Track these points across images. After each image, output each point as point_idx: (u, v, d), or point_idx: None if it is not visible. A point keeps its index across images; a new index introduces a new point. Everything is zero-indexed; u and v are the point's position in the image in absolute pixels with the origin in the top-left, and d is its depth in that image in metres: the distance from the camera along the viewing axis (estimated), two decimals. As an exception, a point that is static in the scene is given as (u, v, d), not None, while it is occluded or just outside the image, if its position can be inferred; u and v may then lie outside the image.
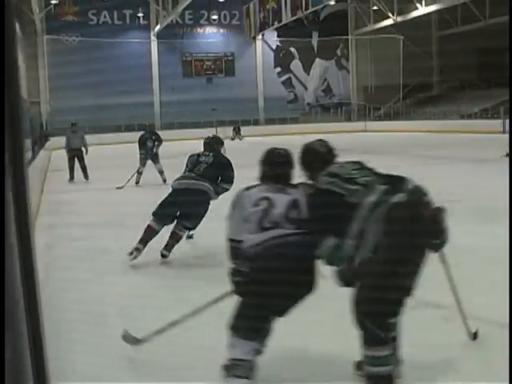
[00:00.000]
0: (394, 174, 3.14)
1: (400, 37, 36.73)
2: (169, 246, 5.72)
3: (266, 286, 2.79)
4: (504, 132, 26.60)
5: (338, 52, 41.17)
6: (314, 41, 40.22)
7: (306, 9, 31.82)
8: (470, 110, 32.79)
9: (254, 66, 38.60)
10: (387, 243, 2.70)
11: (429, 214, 2.91)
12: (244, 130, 31.87)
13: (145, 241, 5.65)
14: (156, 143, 12.34)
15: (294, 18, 33.56)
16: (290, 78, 40.22)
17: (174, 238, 5.75)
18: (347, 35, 40.11)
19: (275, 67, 39.86)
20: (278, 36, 39.20)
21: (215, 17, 38.00)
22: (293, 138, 29.16)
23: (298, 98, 40.42)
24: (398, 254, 2.71)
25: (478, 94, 34.63)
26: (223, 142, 6.50)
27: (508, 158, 13.85)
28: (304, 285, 2.93)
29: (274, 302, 2.84)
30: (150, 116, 33.63)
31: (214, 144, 6.21)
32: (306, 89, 40.67)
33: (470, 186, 9.98)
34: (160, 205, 5.83)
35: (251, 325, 2.85)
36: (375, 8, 36.50)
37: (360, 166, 3.18)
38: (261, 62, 39.02)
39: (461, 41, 32.62)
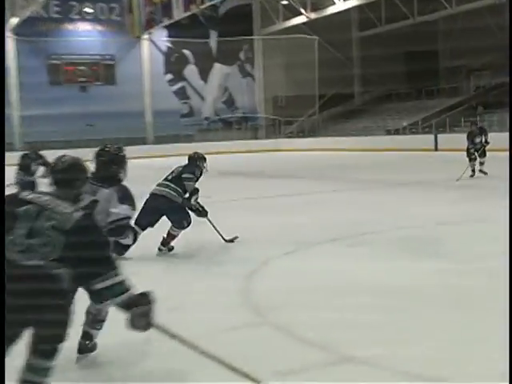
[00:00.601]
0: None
1: (315, 38, 37.72)
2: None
3: None
4: (436, 149, 27.83)
5: (242, 55, 41.77)
6: (213, 42, 40.64)
7: (202, 3, 32.18)
8: (397, 124, 34.09)
9: (139, 73, 38.40)
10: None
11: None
12: (128, 150, 31.46)
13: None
14: (41, 167, 12.44)
15: (188, 14, 33.84)
16: (183, 86, 40.34)
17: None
18: (252, 35, 40.81)
19: (166, 74, 39.90)
20: (169, 36, 39.32)
21: (89, 10, 37.57)
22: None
23: (193, 112, 40.55)
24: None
25: (407, 105, 36.12)
26: (205, 158, 8.32)
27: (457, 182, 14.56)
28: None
29: None
30: (8, 134, 32.62)
31: (196, 159, 8.21)
32: (203, 100, 40.93)
33: (397, 214, 10.32)
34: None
35: None
36: (285, 3, 37.37)
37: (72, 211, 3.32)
38: (148, 67, 38.94)
39: (385, 43, 33.89)
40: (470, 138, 15.81)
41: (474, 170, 15.51)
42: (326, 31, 36.28)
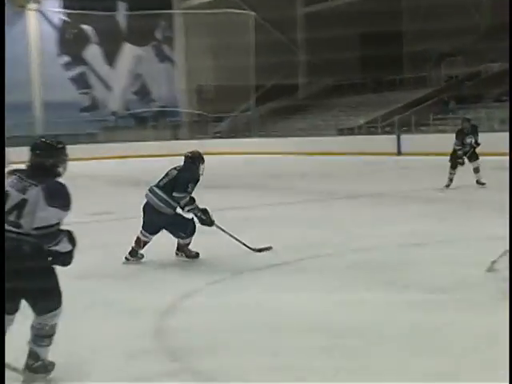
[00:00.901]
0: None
1: (250, 14, 37.92)
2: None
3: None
4: (400, 153, 28.20)
5: (158, 34, 41.74)
6: (121, 16, 40.51)
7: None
8: (351, 122, 34.48)
9: (24, 53, 37.95)
10: None
11: None
12: (12, 152, 31.02)
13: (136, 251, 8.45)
14: None
15: (89, -20, 33.70)
16: (83, 72, 40.10)
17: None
18: (171, 9, 40.78)
19: (60, 55, 39.57)
20: (64, 7, 39.06)
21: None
22: (89, 165, 28.80)
23: (97, 104, 40.32)
24: None
25: (363, 99, 36.57)
26: (203, 159, 8.70)
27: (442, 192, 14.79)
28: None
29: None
30: None
31: (195, 160, 8.63)
32: (109, 90, 40.68)
33: (351, 233, 10.38)
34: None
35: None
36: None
37: None
38: (37, 46, 38.56)
39: (337, 22, 34.25)
40: (461, 137, 15.45)
41: (452, 179, 15.40)
42: (265, 6, 36.58)
